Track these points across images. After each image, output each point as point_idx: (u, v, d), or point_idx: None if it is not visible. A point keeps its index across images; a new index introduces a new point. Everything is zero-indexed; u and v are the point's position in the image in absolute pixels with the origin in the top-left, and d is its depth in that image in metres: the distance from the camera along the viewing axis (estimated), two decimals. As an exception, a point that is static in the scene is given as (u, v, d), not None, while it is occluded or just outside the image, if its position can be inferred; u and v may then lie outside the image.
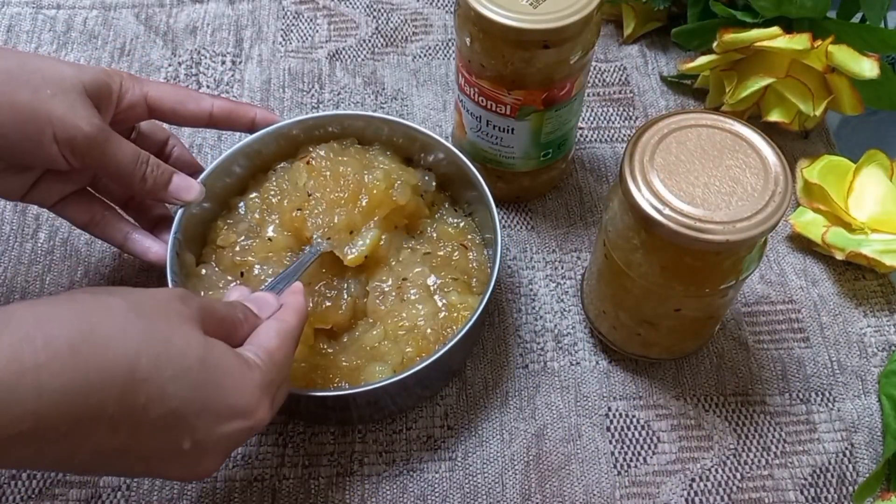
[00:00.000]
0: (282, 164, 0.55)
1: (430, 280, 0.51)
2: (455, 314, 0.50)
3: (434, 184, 0.56)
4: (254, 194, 0.54)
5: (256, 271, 0.50)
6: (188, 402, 0.33)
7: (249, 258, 0.51)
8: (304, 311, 0.43)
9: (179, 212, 0.50)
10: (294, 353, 0.41)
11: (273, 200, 0.53)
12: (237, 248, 0.51)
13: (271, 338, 0.39)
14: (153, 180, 0.48)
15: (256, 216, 0.53)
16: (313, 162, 0.52)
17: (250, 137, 0.53)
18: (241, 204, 0.54)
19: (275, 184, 0.54)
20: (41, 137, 0.42)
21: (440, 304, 0.50)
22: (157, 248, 0.50)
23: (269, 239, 0.51)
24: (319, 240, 0.50)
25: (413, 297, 0.50)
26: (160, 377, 0.32)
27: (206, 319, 0.37)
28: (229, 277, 0.50)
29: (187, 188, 0.49)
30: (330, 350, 0.50)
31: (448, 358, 0.46)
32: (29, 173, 0.47)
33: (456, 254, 0.54)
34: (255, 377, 0.37)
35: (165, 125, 0.53)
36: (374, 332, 0.49)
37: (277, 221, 0.52)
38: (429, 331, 0.49)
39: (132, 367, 0.31)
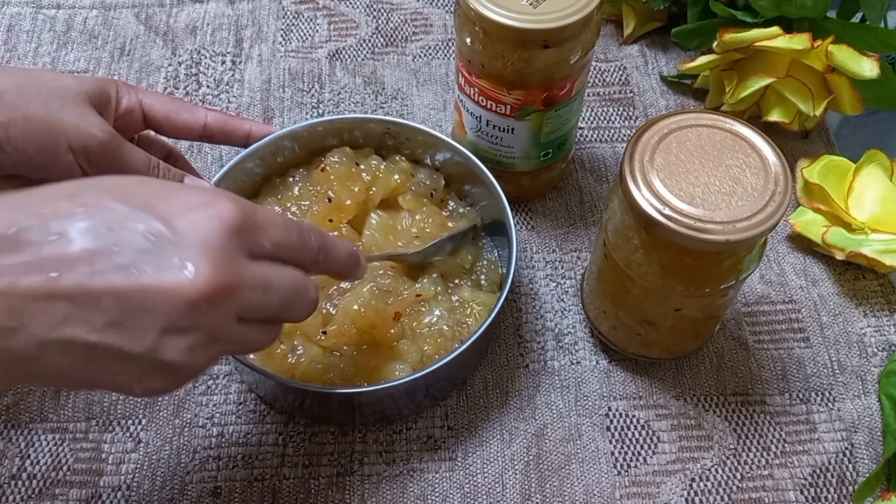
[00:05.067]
0: (300, 171, 0.56)
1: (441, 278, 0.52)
2: (468, 310, 0.50)
3: (443, 182, 0.56)
4: (271, 199, 0.54)
5: None
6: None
7: None
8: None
9: None
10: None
11: (296, 209, 0.53)
12: None
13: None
14: None
15: None
16: (328, 168, 0.53)
17: (264, 140, 0.53)
18: None
19: (297, 191, 0.54)
20: (57, 149, 0.43)
21: (454, 300, 0.51)
22: None
23: None
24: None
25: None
26: None
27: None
28: None
29: None
30: (346, 348, 0.49)
31: (463, 359, 0.46)
32: None
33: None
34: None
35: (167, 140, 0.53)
36: (392, 332, 0.49)
37: None
38: (445, 328, 0.49)
39: None
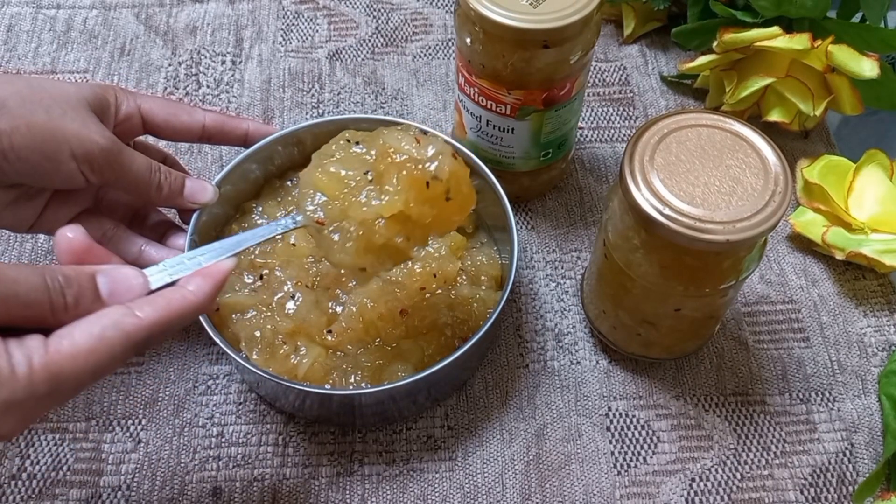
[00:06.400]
0: (298, 175, 0.55)
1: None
2: (468, 307, 0.50)
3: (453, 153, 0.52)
4: (271, 201, 0.55)
5: (278, 273, 0.50)
6: None
7: (270, 261, 0.51)
8: (194, 306, 0.36)
9: (195, 214, 0.50)
10: (127, 357, 0.34)
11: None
12: (257, 251, 0.51)
13: (77, 340, 0.33)
14: (168, 187, 0.48)
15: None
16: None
17: (262, 142, 0.53)
18: (259, 208, 0.54)
19: (296, 195, 0.54)
20: (59, 156, 0.43)
21: (452, 295, 0.51)
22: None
23: (293, 245, 0.51)
24: (299, 217, 0.45)
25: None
26: None
27: None
28: (247, 280, 0.51)
29: (202, 190, 0.50)
30: (350, 347, 0.49)
31: (464, 360, 0.46)
32: (39, 199, 0.47)
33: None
34: None
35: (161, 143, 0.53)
36: (395, 331, 0.49)
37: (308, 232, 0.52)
38: (445, 327, 0.49)
39: None
